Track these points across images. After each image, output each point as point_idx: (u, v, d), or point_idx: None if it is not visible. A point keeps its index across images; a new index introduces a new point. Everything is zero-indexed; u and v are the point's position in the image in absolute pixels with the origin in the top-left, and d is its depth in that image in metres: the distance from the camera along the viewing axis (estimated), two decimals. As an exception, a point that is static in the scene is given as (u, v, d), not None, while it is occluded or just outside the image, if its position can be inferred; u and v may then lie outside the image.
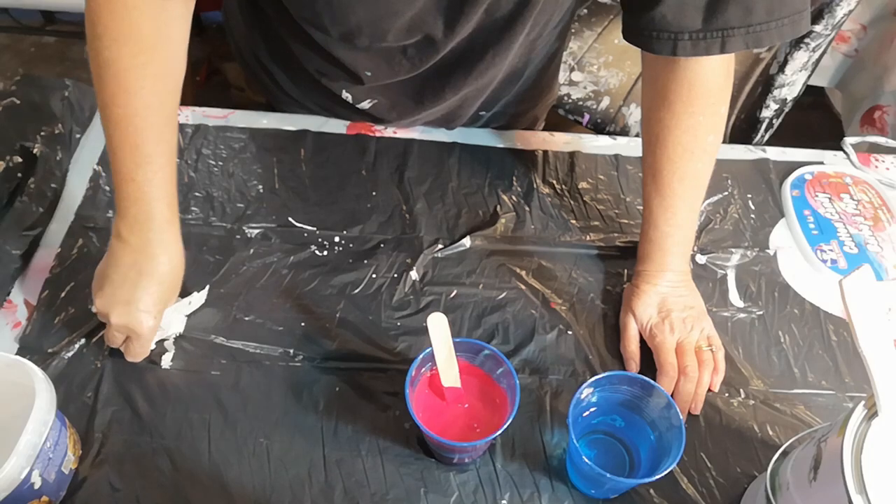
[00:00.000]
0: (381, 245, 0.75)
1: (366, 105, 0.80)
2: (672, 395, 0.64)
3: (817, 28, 1.04)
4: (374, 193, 0.79)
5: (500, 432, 0.54)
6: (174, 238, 0.63)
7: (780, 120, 1.21)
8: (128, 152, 0.59)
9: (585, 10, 1.44)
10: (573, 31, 1.39)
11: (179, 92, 0.62)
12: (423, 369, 0.59)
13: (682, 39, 0.60)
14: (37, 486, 0.53)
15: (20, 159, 0.74)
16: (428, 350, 0.57)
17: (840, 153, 0.88)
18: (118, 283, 0.61)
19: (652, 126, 0.67)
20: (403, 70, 0.72)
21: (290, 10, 0.67)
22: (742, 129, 1.23)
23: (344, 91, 0.78)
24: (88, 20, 0.58)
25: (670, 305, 0.68)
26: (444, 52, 0.68)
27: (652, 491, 0.60)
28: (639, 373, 0.66)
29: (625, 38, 0.65)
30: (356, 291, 0.71)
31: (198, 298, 0.69)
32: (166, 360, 0.66)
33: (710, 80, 0.64)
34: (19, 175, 0.74)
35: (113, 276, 0.61)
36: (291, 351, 0.67)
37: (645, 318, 0.68)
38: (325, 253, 0.74)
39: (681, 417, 0.55)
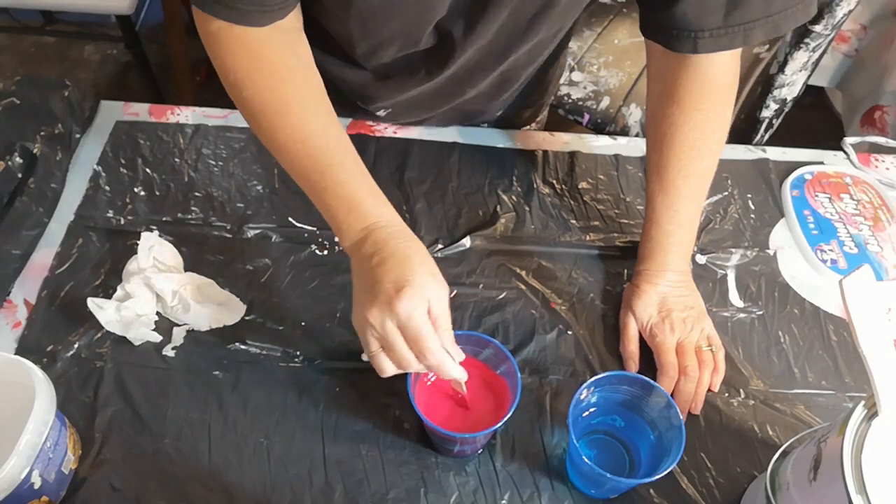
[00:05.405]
0: (381, 245, 0.75)
1: (381, 114, 0.81)
2: (672, 395, 0.64)
3: (817, 28, 1.04)
4: (374, 193, 0.79)
5: (500, 425, 0.54)
6: (393, 211, 0.58)
7: (780, 120, 1.21)
8: (309, 167, 0.57)
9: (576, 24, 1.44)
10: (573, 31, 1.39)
11: (326, 95, 0.60)
12: None
13: (702, 38, 0.60)
14: (37, 486, 0.53)
15: (20, 159, 0.74)
16: None
17: (840, 153, 0.88)
18: (384, 284, 0.52)
19: (659, 122, 0.67)
20: (420, 77, 0.72)
21: (318, 20, 0.67)
22: (742, 129, 1.23)
23: (358, 102, 0.78)
24: (222, 75, 0.59)
25: (671, 305, 0.68)
26: (462, 54, 0.68)
27: (652, 491, 0.60)
28: (638, 373, 0.66)
29: (643, 34, 0.65)
30: (356, 291, 0.71)
31: (239, 308, 0.69)
32: (168, 349, 0.66)
33: (720, 76, 0.64)
34: (19, 175, 0.74)
35: (373, 285, 0.52)
36: (291, 351, 0.67)
37: (645, 318, 0.68)
38: (325, 253, 0.74)
39: (681, 417, 0.55)
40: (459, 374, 0.55)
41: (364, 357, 0.56)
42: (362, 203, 0.56)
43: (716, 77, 0.64)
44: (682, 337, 0.67)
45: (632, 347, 0.68)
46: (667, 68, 0.66)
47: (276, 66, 0.58)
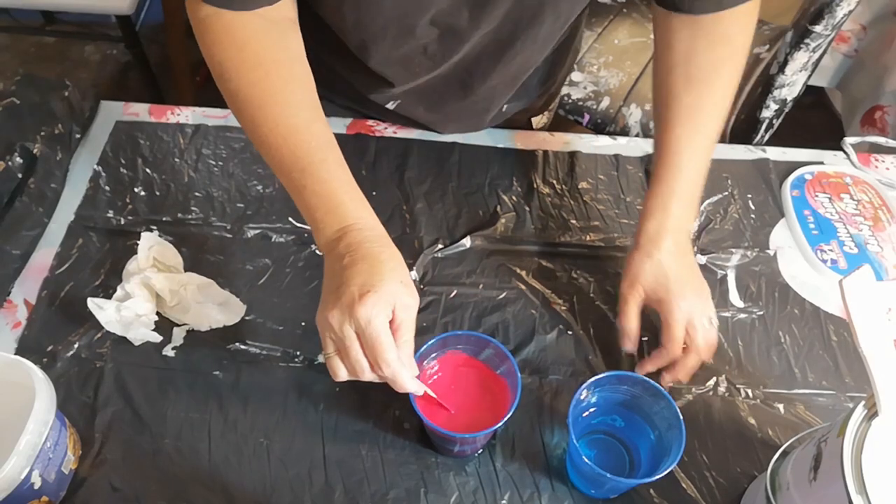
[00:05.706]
0: (381, 245, 0.75)
1: (391, 106, 0.80)
2: (670, 365, 0.63)
3: (817, 28, 1.04)
4: (374, 193, 0.79)
5: (500, 425, 0.54)
6: (372, 215, 0.57)
7: (780, 120, 1.21)
8: (290, 164, 0.56)
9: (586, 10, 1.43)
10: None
11: (314, 90, 0.60)
12: (426, 362, 0.59)
13: None
14: (37, 486, 0.53)
15: (20, 159, 0.74)
16: (430, 343, 0.57)
17: (840, 153, 0.88)
18: (350, 286, 0.51)
19: (701, 65, 0.65)
20: (424, 70, 0.71)
21: (316, 11, 0.67)
22: (742, 129, 1.23)
23: (367, 94, 0.78)
24: (210, 65, 0.59)
25: (686, 276, 0.63)
26: (467, 44, 0.67)
27: (652, 491, 0.60)
28: (635, 353, 0.65)
29: (662, 6, 0.65)
30: (356, 291, 0.71)
31: (238, 309, 0.69)
32: (168, 349, 0.66)
33: (743, 31, 0.65)
34: (19, 175, 0.74)
35: (339, 286, 0.52)
36: (291, 351, 0.67)
37: (660, 290, 0.62)
38: (325, 253, 0.74)
39: (680, 417, 0.55)
40: (415, 389, 0.53)
41: (320, 357, 0.54)
42: (341, 204, 0.56)
43: (741, 29, 0.65)
44: (695, 311, 0.62)
45: (633, 325, 0.64)
46: (693, 30, 0.65)
47: (262, 58, 0.58)
